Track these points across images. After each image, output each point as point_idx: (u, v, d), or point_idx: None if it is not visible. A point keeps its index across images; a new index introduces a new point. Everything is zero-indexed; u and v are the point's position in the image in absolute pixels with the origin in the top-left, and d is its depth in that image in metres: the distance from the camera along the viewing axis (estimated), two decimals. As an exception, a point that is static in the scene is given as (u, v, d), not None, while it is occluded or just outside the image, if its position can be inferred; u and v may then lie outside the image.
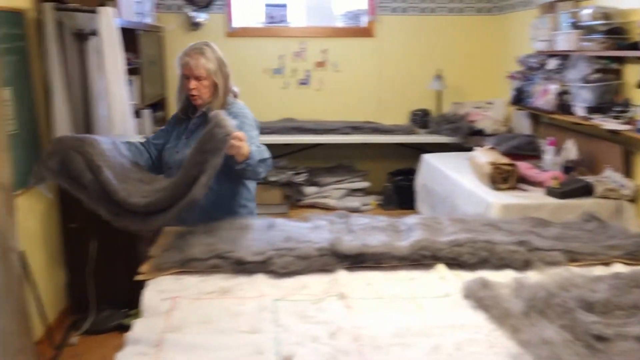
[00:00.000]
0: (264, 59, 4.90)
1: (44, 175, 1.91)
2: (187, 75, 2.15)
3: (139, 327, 1.43)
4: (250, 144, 1.98)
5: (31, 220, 2.85)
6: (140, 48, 3.67)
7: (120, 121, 2.89)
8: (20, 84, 2.66)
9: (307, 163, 4.94)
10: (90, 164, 1.89)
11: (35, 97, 2.82)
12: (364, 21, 4.94)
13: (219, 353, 1.30)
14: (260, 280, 1.69)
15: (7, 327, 2.39)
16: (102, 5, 2.80)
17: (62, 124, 2.80)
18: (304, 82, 4.98)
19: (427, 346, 1.33)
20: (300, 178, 4.69)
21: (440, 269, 1.73)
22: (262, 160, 2.03)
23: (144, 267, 1.79)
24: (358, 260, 1.76)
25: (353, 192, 4.84)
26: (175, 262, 1.76)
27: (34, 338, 2.67)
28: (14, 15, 2.57)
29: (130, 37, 3.42)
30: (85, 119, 2.93)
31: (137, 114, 3.56)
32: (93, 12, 2.69)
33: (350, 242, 1.78)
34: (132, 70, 3.43)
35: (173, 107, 4.79)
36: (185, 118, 2.27)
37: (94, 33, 2.79)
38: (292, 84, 4.97)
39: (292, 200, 4.75)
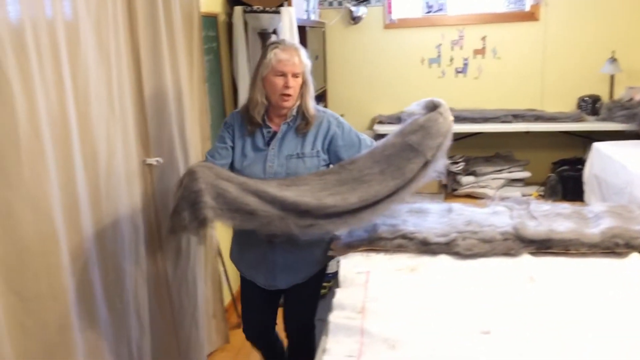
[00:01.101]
0: (421, 49, 4.93)
1: (207, 216, 1.68)
2: (284, 73, 1.91)
3: (340, 295, 1.59)
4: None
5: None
6: (307, 43, 3.92)
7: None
8: (213, 80, 3.00)
9: (465, 152, 4.89)
10: (245, 186, 1.75)
11: (224, 92, 3.16)
12: (527, 5, 4.76)
13: (418, 324, 1.41)
14: (445, 261, 1.77)
15: (206, 293, 2.74)
16: (281, 5, 3.05)
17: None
18: (461, 71, 4.93)
19: (623, 333, 1.31)
20: (457, 167, 4.67)
21: (636, 257, 1.68)
22: None
23: (333, 245, 1.96)
24: (544, 246, 1.77)
25: (512, 182, 4.71)
26: (363, 241, 1.90)
27: (224, 306, 3.02)
28: (211, 20, 2.90)
29: (300, 33, 3.66)
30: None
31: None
32: (276, 12, 2.94)
33: (535, 227, 1.79)
34: (302, 65, 3.68)
35: (335, 98, 5.07)
36: (260, 127, 1.98)
37: (274, 32, 3.05)
38: (449, 73, 4.94)
39: (448, 190, 4.75)
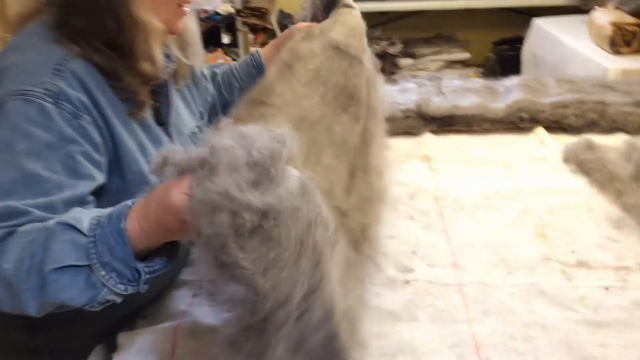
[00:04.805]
0: None
1: None
2: None
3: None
4: None
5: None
6: None
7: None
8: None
9: (403, 33, 4.64)
10: None
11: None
12: None
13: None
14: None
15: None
16: None
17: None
18: (402, -58, 4.54)
19: (516, 209, 1.23)
20: (395, 49, 4.44)
21: (540, 132, 1.57)
22: None
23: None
24: (446, 123, 1.63)
25: (452, 64, 4.54)
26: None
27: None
28: None
29: None
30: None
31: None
32: None
33: (438, 104, 1.64)
34: None
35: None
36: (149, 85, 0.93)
37: None
38: (389, -55, 4.55)
39: (386, 73, 4.55)
